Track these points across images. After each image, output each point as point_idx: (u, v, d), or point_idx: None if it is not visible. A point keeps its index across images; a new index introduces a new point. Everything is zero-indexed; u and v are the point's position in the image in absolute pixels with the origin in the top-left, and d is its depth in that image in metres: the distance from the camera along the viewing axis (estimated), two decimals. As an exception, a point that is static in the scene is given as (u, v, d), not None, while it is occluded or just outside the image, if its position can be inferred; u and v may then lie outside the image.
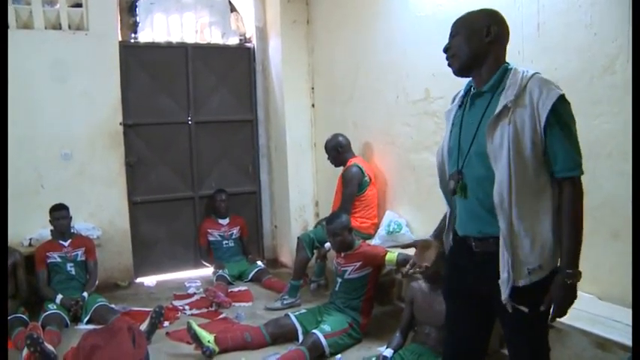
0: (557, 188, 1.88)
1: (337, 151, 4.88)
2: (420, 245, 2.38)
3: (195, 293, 5.12)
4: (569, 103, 1.86)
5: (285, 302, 4.61)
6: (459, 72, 2.04)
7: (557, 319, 1.94)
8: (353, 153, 4.90)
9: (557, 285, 1.86)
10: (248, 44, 6.24)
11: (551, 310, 1.89)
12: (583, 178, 1.88)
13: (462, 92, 2.13)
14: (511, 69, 1.95)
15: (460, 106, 2.09)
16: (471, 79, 2.07)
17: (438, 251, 2.28)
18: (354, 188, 4.67)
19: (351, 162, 4.79)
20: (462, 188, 1.99)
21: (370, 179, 4.72)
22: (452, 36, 2.04)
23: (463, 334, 2.15)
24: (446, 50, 2.05)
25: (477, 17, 2.00)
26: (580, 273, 1.87)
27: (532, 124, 1.82)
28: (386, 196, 4.77)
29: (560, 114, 1.82)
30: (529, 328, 1.94)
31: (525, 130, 1.83)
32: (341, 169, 4.86)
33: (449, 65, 2.06)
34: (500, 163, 1.84)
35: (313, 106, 5.91)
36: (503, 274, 1.86)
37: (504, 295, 1.87)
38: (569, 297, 1.87)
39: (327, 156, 5.00)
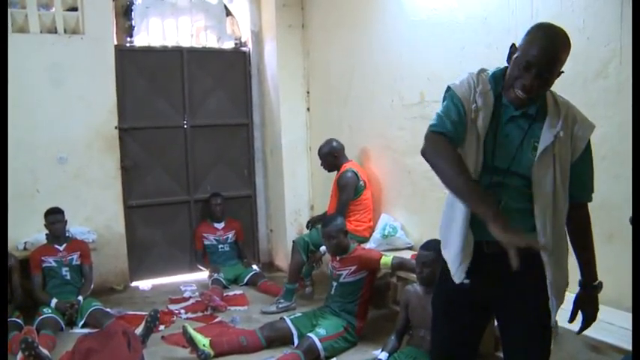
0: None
1: (333, 156, 4.89)
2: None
3: (190, 297, 5.12)
4: None
5: (280, 306, 4.62)
6: (524, 105, 1.88)
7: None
8: (347, 157, 4.92)
9: (589, 300, 1.97)
10: (243, 48, 6.25)
11: (582, 324, 1.99)
12: None
13: (489, 85, 1.92)
14: (544, 92, 1.90)
15: (493, 113, 1.91)
16: (490, 75, 1.94)
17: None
18: (350, 194, 4.68)
19: (346, 167, 4.80)
20: (502, 211, 1.85)
21: (365, 183, 4.73)
22: (541, 76, 1.79)
23: (455, 341, 2.09)
24: (529, 91, 1.82)
25: (565, 55, 1.82)
26: (602, 283, 1.99)
27: (568, 152, 1.89)
28: (381, 200, 4.78)
29: (590, 145, 1.93)
30: (542, 336, 1.96)
31: (566, 161, 1.89)
32: (335, 173, 4.87)
33: (528, 100, 1.85)
34: (544, 189, 1.86)
35: (309, 109, 5.93)
36: (551, 302, 1.92)
37: (553, 317, 1.93)
38: (597, 308, 1.98)
39: (320, 161, 5.01)
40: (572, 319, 2.01)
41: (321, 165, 5.01)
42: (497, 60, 2.14)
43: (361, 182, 4.71)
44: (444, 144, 1.85)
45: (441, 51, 3.92)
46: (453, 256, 1.95)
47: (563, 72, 1.84)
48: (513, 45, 1.89)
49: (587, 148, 1.92)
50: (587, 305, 1.98)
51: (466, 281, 1.95)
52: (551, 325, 1.95)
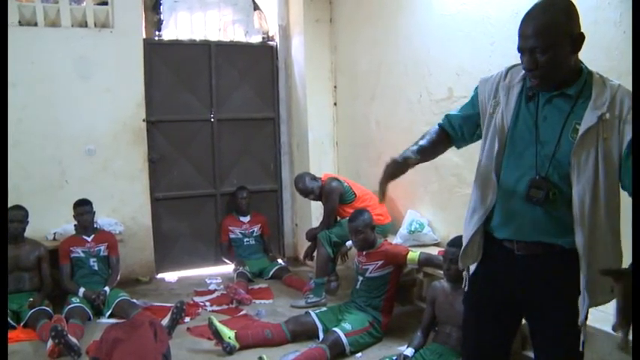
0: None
1: (313, 192, 5.03)
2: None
3: (216, 290, 5.15)
4: None
5: (309, 301, 4.60)
6: (549, 90, 1.83)
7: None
8: (320, 177, 5.08)
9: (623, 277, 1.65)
10: (271, 42, 6.26)
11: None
12: None
13: (524, 73, 1.88)
14: (590, 71, 1.83)
15: (529, 98, 1.88)
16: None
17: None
18: (335, 201, 4.82)
19: (326, 178, 4.98)
20: (555, 198, 1.80)
21: (351, 188, 4.87)
22: (535, 51, 1.75)
23: (489, 340, 2.05)
24: (531, 69, 1.79)
25: (561, 25, 1.74)
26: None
27: (618, 138, 1.73)
28: (408, 196, 4.74)
29: None
30: (575, 337, 1.83)
31: (613, 144, 1.73)
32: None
33: (535, 85, 1.83)
34: (583, 176, 1.75)
35: (336, 104, 5.91)
36: (583, 297, 1.78)
37: (582, 315, 1.79)
38: (628, 290, 1.69)
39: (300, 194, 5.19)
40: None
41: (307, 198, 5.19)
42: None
43: (345, 185, 4.87)
44: (430, 132, 2.13)
45: (470, 46, 3.87)
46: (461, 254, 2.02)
47: (579, 35, 1.75)
48: None
49: None
50: (623, 282, 1.61)
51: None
52: (578, 324, 1.80)
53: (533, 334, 1.99)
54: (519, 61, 1.88)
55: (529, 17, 1.78)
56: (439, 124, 2.16)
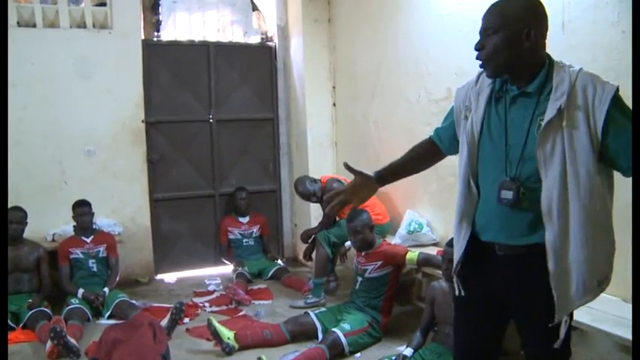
0: (609, 189, 1.79)
1: (314, 194, 5.03)
2: (361, 181, 2.18)
3: (215, 290, 5.15)
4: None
5: (308, 301, 4.60)
6: (493, 76, 1.87)
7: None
8: (319, 179, 5.07)
9: None
10: (270, 43, 6.26)
11: None
12: None
13: (492, 83, 1.91)
14: (553, 63, 1.82)
15: (497, 100, 1.89)
16: None
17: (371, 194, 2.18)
18: None
19: (326, 179, 4.99)
20: (525, 197, 1.79)
21: None
22: (485, 33, 1.81)
23: (478, 340, 2.06)
24: (477, 49, 1.84)
25: (517, 15, 1.76)
26: None
27: (587, 126, 1.70)
28: (407, 196, 4.74)
29: (622, 106, 1.70)
30: (548, 336, 1.83)
31: (581, 133, 1.70)
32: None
33: (481, 66, 1.88)
34: (550, 170, 1.73)
35: (334, 104, 5.91)
36: (554, 295, 1.76)
37: (557, 320, 1.76)
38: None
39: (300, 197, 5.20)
40: None
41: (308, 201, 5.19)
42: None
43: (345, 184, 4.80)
44: (418, 144, 2.19)
45: (469, 46, 3.79)
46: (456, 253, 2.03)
47: (530, 38, 1.75)
48: None
49: (618, 112, 1.68)
50: None
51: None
52: (550, 324, 1.78)
53: (519, 333, 1.99)
54: None
55: (492, 4, 1.84)
56: (430, 137, 2.19)
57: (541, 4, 1.82)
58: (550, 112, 1.73)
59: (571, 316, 1.85)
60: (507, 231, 1.86)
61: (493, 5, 1.83)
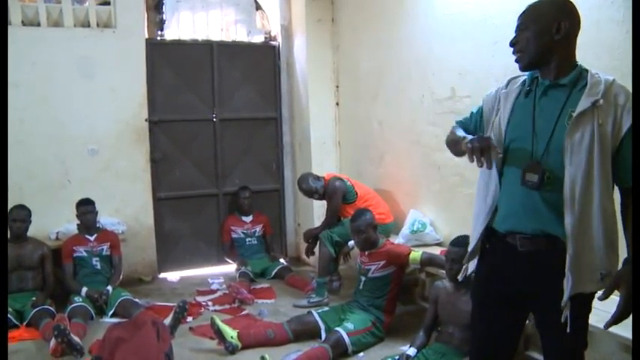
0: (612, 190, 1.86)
1: (317, 192, 5.00)
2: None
3: (218, 289, 5.15)
4: None
5: (311, 301, 4.60)
6: (527, 68, 1.97)
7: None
8: (323, 177, 5.04)
9: (622, 277, 1.74)
10: (273, 42, 6.26)
11: (614, 312, 1.77)
12: None
13: (524, 79, 2.03)
14: (586, 69, 1.91)
15: (527, 94, 1.98)
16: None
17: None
18: (338, 201, 4.81)
19: (329, 177, 4.94)
20: (549, 182, 1.85)
21: (354, 187, 4.84)
22: (519, 29, 1.95)
23: (495, 337, 2.09)
24: (512, 44, 1.97)
25: (547, 11, 1.90)
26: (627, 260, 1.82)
27: (613, 128, 1.79)
28: (410, 195, 4.74)
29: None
30: (576, 332, 1.86)
31: (608, 132, 1.79)
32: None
33: (516, 61, 1.98)
34: (576, 157, 1.79)
35: (338, 104, 5.91)
36: (567, 278, 1.80)
37: (565, 298, 1.81)
38: (629, 293, 1.73)
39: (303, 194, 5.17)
40: (604, 297, 1.78)
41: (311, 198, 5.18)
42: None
43: (348, 184, 4.86)
44: (454, 128, 2.21)
45: (473, 45, 3.86)
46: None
47: (560, 31, 1.87)
48: None
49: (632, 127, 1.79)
50: (622, 284, 1.73)
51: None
52: (562, 305, 1.82)
53: (541, 330, 2.01)
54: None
55: (527, 5, 1.98)
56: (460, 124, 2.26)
57: (570, 2, 1.93)
58: (583, 104, 1.81)
59: (588, 307, 1.90)
60: (529, 217, 1.90)
61: (528, 6, 1.96)
